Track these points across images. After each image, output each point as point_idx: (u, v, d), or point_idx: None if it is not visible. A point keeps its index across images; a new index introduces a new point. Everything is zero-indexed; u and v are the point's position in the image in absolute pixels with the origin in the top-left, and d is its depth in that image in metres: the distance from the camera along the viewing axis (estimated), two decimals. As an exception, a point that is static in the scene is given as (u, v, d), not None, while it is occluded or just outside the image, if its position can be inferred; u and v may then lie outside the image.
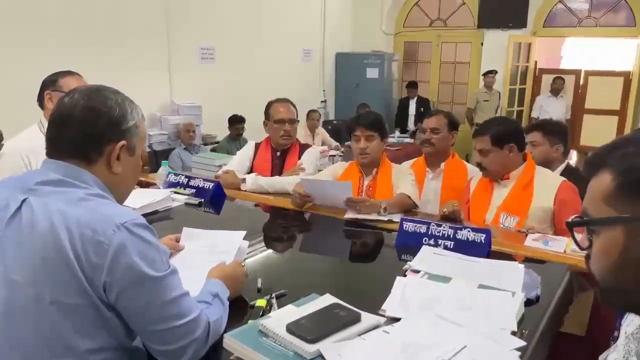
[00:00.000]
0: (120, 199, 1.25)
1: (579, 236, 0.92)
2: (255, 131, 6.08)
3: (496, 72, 7.24)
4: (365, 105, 7.50)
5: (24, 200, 1.11)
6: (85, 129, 1.14)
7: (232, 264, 1.47)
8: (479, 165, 2.39)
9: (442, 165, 2.83)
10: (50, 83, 2.23)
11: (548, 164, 2.56)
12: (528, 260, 1.89)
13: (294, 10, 7.11)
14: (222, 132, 5.99)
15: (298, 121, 2.99)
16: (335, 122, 7.87)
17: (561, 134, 2.69)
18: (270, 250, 2.01)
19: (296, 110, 2.96)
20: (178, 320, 1.12)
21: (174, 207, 2.41)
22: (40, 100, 2.26)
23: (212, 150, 5.67)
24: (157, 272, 1.10)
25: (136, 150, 1.24)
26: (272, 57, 6.77)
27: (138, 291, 1.07)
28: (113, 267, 1.05)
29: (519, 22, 7.37)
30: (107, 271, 1.05)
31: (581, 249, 0.92)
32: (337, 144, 6.41)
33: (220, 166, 3.67)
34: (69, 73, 2.28)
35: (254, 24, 6.47)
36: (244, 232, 1.61)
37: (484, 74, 7.30)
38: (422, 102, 7.83)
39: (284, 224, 2.49)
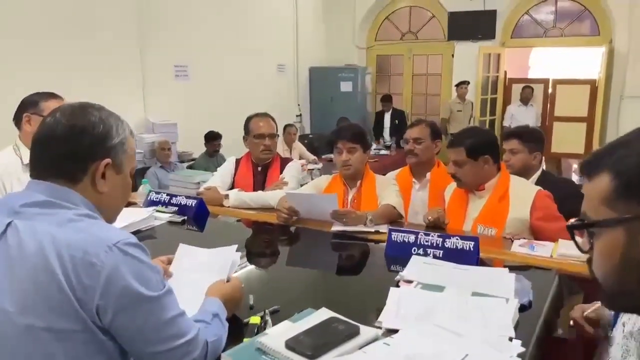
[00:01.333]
0: (109, 219, 1.21)
1: (579, 240, 0.93)
2: (231, 147, 6.07)
3: (468, 82, 7.37)
4: (345, 119, 7.53)
5: (9, 223, 1.06)
6: (68, 148, 1.11)
7: (232, 283, 1.44)
8: (453, 176, 2.36)
9: (428, 175, 2.83)
10: (30, 105, 2.16)
11: (526, 171, 2.59)
12: (516, 266, 1.90)
13: (266, 26, 7.13)
14: (198, 149, 5.93)
15: (278, 135, 2.97)
16: (311, 135, 7.88)
17: (539, 141, 2.72)
18: (259, 266, 1.98)
19: (276, 124, 2.95)
20: (176, 340, 1.09)
21: (157, 226, 2.36)
22: (18, 119, 2.19)
23: (189, 167, 5.61)
24: (153, 292, 1.06)
25: (124, 168, 1.20)
26: (246, 72, 6.76)
27: (134, 313, 1.04)
28: (107, 290, 1.01)
29: (488, 33, 7.54)
30: (101, 294, 1.01)
31: (582, 252, 0.92)
32: (315, 157, 6.42)
33: (198, 183, 3.63)
34: (51, 96, 2.21)
35: (228, 40, 6.46)
36: (235, 246, 1.59)
37: (457, 85, 7.43)
38: (397, 115, 7.90)
39: (270, 239, 2.47)
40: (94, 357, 1.04)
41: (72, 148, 1.11)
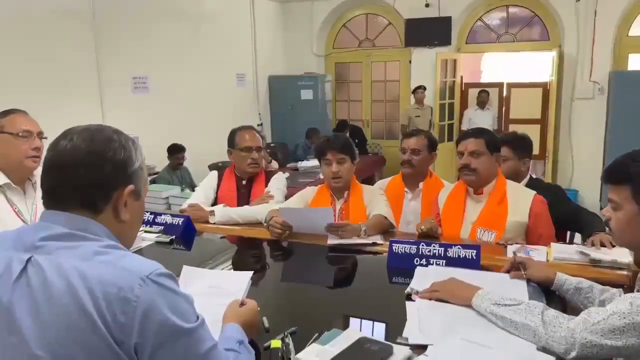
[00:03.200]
0: (128, 247, 1.14)
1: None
2: (194, 159, 5.96)
3: (425, 87, 7.49)
4: (315, 129, 7.48)
5: (29, 259, 0.98)
6: (91, 176, 1.04)
7: (249, 307, 1.38)
8: (466, 166, 2.34)
9: (421, 185, 2.82)
10: None
11: (515, 177, 2.63)
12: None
13: (224, 36, 7.03)
14: (160, 162, 5.77)
15: (263, 148, 2.91)
16: (272, 144, 7.83)
17: (528, 147, 2.78)
18: (261, 285, 1.92)
19: (262, 137, 2.89)
20: None
21: (145, 247, 2.27)
22: None
23: (152, 182, 5.45)
24: (190, 324, 1.01)
25: (142, 193, 1.15)
26: (206, 83, 6.65)
27: (173, 348, 0.98)
28: (144, 326, 0.95)
29: (444, 39, 7.69)
30: (138, 331, 0.95)
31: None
32: (276, 166, 6.36)
33: (167, 198, 3.53)
34: (10, 111, 2.09)
35: (186, 51, 6.33)
36: (250, 273, 1.53)
37: (413, 91, 7.53)
38: (356, 133, 7.85)
39: (264, 256, 2.41)
40: (131, 398, 0.97)
41: (95, 176, 1.04)
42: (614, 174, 1.42)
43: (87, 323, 0.92)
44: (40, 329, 0.93)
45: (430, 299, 1.59)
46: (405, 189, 2.85)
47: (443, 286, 1.61)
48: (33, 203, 2.11)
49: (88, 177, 1.03)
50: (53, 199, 1.05)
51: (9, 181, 2.04)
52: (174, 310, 0.99)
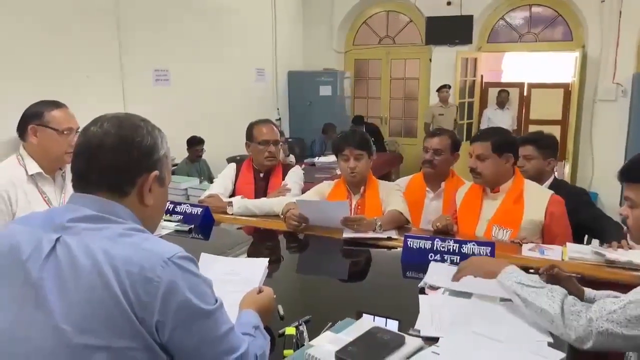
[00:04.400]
0: (151, 231, 1.18)
1: None
2: (212, 152, 6.02)
3: (449, 86, 7.45)
4: (331, 124, 7.52)
5: (58, 238, 1.03)
6: (119, 160, 1.08)
7: (265, 294, 1.42)
8: (473, 170, 2.37)
9: (443, 185, 2.81)
10: (34, 116, 2.09)
11: (539, 177, 2.61)
12: (528, 270, 1.93)
13: (245, 30, 7.08)
14: (179, 154, 5.85)
15: (281, 142, 2.95)
16: (290, 140, 7.87)
17: (554, 147, 2.74)
18: (277, 275, 1.96)
19: (279, 130, 2.93)
20: (229, 355, 1.07)
21: (164, 235, 2.32)
22: (22, 131, 2.11)
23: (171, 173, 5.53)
24: (209, 306, 1.05)
25: (166, 180, 1.19)
26: (226, 77, 6.70)
27: (191, 327, 1.02)
28: (165, 305, 0.99)
29: (465, 38, 7.65)
30: (159, 310, 0.99)
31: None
32: (292, 156, 6.41)
33: (185, 189, 3.60)
34: (55, 105, 2.13)
35: (208, 45, 6.39)
36: (267, 260, 1.57)
37: (438, 89, 7.47)
38: (372, 132, 7.84)
39: (280, 247, 2.44)
40: (151, 375, 1.01)
41: (123, 161, 1.08)
42: (631, 172, 1.43)
43: (110, 300, 0.96)
44: (66, 305, 0.97)
45: (459, 280, 1.61)
46: (427, 189, 2.84)
47: (470, 262, 1.63)
48: (62, 192, 2.18)
49: (115, 161, 1.08)
50: (82, 182, 1.10)
51: (41, 170, 2.11)
52: (194, 292, 1.02)
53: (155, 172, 1.12)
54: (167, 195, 1.23)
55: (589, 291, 1.61)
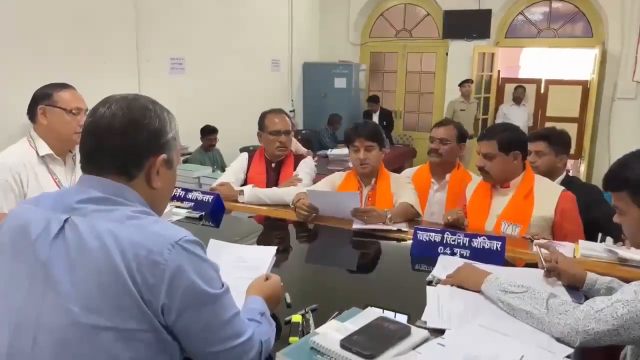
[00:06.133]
0: (159, 214, 1.19)
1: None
2: (226, 142, 6.04)
3: (472, 81, 7.36)
4: (337, 115, 7.54)
5: (66, 219, 1.04)
6: (126, 143, 1.07)
7: (272, 281, 1.42)
8: (481, 169, 2.36)
9: (448, 176, 2.81)
10: (43, 97, 2.11)
11: (551, 173, 2.57)
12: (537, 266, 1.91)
13: (262, 21, 7.08)
14: (193, 143, 5.87)
15: (292, 132, 2.95)
16: (304, 131, 7.86)
17: (566, 144, 2.70)
18: (285, 263, 1.96)
19: (291, 120, 2.92)
20: (234, 340, 1.08)
21: (175, 222, 2.33)
22: (32, 113, 2.14)
23: (184, 162, 5.55)
24: (215, 290, 1.05)
25: (174, 163, 1.18)
26: (241, 67, 6.71)
27: (198, 312, 1.02)
28: (172, 288, 0.99)
29: (483, 33, 7.57)
30: (166, 293, 0.99)
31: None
32: (310, 152, 6.39)
33: (198, 178, 3.61)
34: (63, 86, 2.16)
35: (224, 35, 6.40)
36: (275, 248, 1.57)
37: (460, 84, 7.37)
38: (386, 116, 7.86)
39: (289, 236, 2.45)
40: (156, 357, 1.02)
41: (131, 143, 1.08)
42: (610, 182, 1.43)
43: (117, 281, 0.97)
44: (74, 285, 0.98)
45: (451, 285, 1.60)
46: (432, 180, 2.84)
47: (457, 273, 1.63)
48: (72, 174, 2.20)
49: (123, 143, 1.07)
50: (90, 164, 1.10)
51: (51, 152, 2.13)
52: (200, 275, 1.03)
53: (163, 155, 1.12)
54: (175, 178, 1.22)
55: (591, 275, 1.61)
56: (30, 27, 4.19)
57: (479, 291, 1.53)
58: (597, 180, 7.18)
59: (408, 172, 2.95)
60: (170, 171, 1.17)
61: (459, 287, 1.59)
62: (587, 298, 1.56)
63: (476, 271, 1.60)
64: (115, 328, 0.97)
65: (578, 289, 1.63)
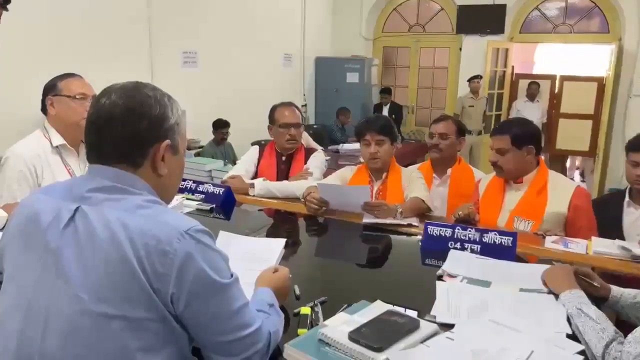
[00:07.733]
0: (168, 201, 1.19)
1: None
2: (237, 136, 6.05)
3: (481, 76, 7.31)
4: (346, 109, 7.52)
5: (77, 208, 1.04)
6: (128, 131, 1.07)
7: (281, 273, 1.42)
8: (494, 164, 2.35)
9: (449, 171, 2.82)
10: (50, 88, 2.14)
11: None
12: (550, 263, 1.89)
13: (274, 15, 7.07)
14: (205, 136, 5.89)
15: (303, 125, 2.94)
16: (315, 126, 7.86)
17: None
18: (294, 256, 1.96)
19: (301, 114, 2.92)
20: (243, 330, 1.08)
21: (185, 214, 2.33)
22: (43, 106, 2.16)
23: (196, 155, 5.58)
24: (224, 279, 1.05)
25: (179, 148, 1.18)
26: (253, 61, 6.71)
27: (206, 300, 1.03)
28: (181, 277, 1.00)
29: (497, 28, 7.49)
30: (175, 282, 0.99)
31: None
32: (321, 148, 6.38)
33: (210, 171, 3.62)
34: (67, 75, 2.19)
35: (236, 29, 6.40)
36: (284, 240, 1.57)
37: (469, 80, 7.32)
38: (395, 109, 7.83)
39: (299, 229, 2.45)
40: (165, 346, 1.02)
41: (132, 131, 1.07)
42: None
43: (126, 270, 0.97)
44: (84, 273, 0.99)
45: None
46: (434, 175, 2.84)
47: (551, 269, 1.60)
48: (86, 164, 2.21)
49: (125, 132, 1.07)
50: (94, 154, 1.10)
51: (65, 142, 2.15)
52: (209, 265, 1.03)
53: (167, 141, 1.11)
54: (182, 164, 1.22)
55: (615, 290, 1.54)
56: (44, 21, 4.22)
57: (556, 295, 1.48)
58: (612, 178, 7.13)
59: (412, 168, 2.94)
60: (176, 157, 1.17)
61: (543, 282, 1.56)
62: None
63: (569, 278, 1.52)
64: (125, 317, 0.97)
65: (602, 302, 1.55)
